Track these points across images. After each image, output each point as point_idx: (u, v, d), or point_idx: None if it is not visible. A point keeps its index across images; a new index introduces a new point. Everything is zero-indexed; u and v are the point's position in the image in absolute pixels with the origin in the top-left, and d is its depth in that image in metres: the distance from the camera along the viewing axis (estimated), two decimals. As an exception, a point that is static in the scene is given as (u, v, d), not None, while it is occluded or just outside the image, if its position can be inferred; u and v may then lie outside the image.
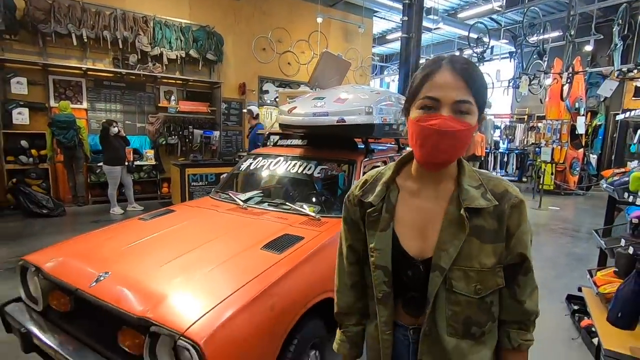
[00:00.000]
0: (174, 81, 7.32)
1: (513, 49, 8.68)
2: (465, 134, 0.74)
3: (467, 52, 10.29)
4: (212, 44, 7.34)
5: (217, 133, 7.22)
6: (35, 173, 5.85)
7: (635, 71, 5.70)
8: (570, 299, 3.14)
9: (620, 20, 6.04)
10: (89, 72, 6.43)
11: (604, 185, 2.81)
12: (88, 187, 6.49)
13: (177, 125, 7.33)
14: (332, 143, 2.64)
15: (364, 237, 0.90)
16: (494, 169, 11.47)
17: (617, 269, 2.53)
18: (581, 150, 9.12)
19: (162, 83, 7.22)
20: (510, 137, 11.71)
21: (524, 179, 11.06)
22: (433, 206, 0.82)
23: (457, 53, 12.42)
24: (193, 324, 1.20)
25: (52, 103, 6.21)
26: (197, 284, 1.45)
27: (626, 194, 2.36)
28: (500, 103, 12.07)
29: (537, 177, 8.58)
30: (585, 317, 2.78)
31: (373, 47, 11.75)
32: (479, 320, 0.80)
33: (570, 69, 6.84)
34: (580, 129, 8.47)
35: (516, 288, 0.82)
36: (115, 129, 5.66)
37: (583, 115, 8.73)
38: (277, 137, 3.06)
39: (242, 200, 2.40)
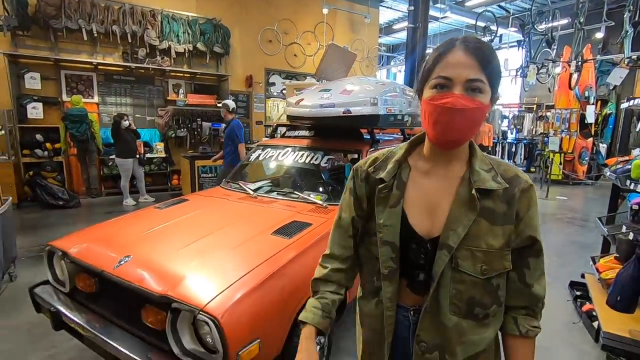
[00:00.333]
0: (182, 74, 7.42)
1: (521, 38, 8.57)
2: (478, 112, 0.75)
3: (475, 41, 10.15)
4: (219, 36, 7.40)
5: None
6: (50, 166, 6.03)
7: (646, 58, 5.62)
8: (573, 285, 3.20)
9: (632, 7, 5.93)
10: (99, 67, 6.55)
11: (608, 173, 2.84)
12: (101, 179, 6.67)
13: (186, 118, 7.45)
14: (338, 134, 2.72)
15: (365, 213, 0.91)
16: (502, 158, 11.40)
17: (617, 255, 2.58)
18: (590, 139, 9.02)
19: (170, 76, 7.32)
20: (518, 127, 11.61)
21: (532, 169, 10.99)
22: (443, 186, 0.83)
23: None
24: (211, 300, 1.31)
25: (65, 97, 6.36)
26: (213, 266, 1.56)
27: (628, 182, 2.40)
28: (508, 93, 11.94)
29: (545, 167, 8.53)
30: (587, 302, 2.84)
31: (379, 37, 11.66)
32: (484, 301, 0.80)
33: (579, 57, 6.75)
34: (590, 118, 8.37)
35: (525, 270, 0.82)
36: (127, 123, 5.79)
37: (593, 104, 8.61)
38: (284, 129, 3.13)
39: (252, 190, 2.50)
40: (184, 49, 7.08)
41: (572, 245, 4.67)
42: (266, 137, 5.74)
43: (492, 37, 7.72)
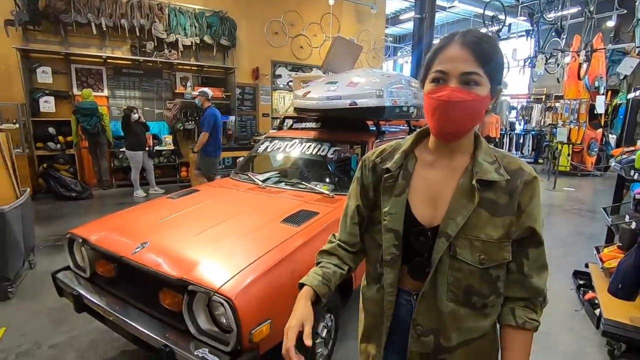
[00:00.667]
0: (189, 67, 7.48)
1: (530, 27, 8.45)
2: (473, 104, 0.76)
3: (483, 31, 10.04)
4: (226, 29, 7.43)
5: (232, 118, 7.40)
6: (62, 158, 6.18)
7: (658, 47, 5.52)
8: (577, 274, 3.24)
9: (644, -6, 5.82)
10: (108, 61, 6.64)
11: (613, 164, 2.85)
12: (112, 172, 6.81)
13: (194, 111, 7.52)
14: (344, 125, 2.77)
15: (370, 203, 0.94)
16: (509, 150, 11.34)
17: (620, 244, 2.61)
18: (600, 130, 8.91)
19: (177, 69, 7.39)
20: (526, 118, 11.51)
21: (540, 161, 10.92)
22: (446, 178, 0.85)
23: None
24: (225, 283, 1.39)
25: (75, 91, 6.47)
26: (226, 251, 1.64)
27: (632, 171, 2.43)
28: (516, 83, 11.80)
29: (553, 159, 8.47)
30: (590, 291, 2.89)
31: (386, 27, 11.57)
32: (482, 291, 0.81)
33: (589, 47, 6.65)
34: (600, 109, 8.26)
35: (524, 261, 0.82)
36: (136, 115, 5.89)
37: (603, 94, 8.49)
38: (291, 121, 3.19)
39: (260, 181, 2.57)
40: (191, 42, 7.13)
41: (578, 236, 4.69)
42: (273, 129, 5.79)
43: (501, 26, 7.63)
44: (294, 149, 2.72)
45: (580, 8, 7.78)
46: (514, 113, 11.87)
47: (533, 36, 7.59)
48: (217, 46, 7.47)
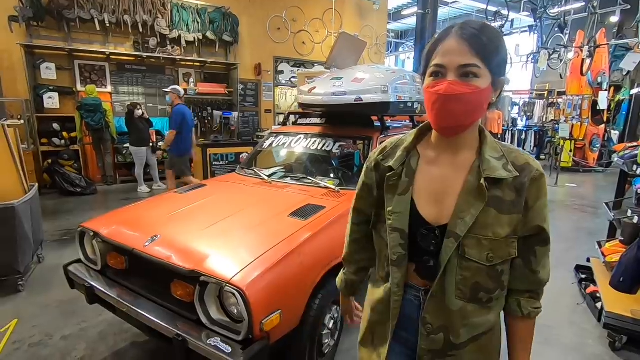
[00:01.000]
0: (192, 63, 7.49)
1: (533, 22, 8.43)
2: (473, 97, 0.75)
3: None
4: (228, 25, 7.43)
5: (235, 114, 7.42)
6: (67, 154, 6.20)
7: (661, 43, 5.52)
8: (579, 268, 3.27)
9: (647, -10, 5.81)
10: (111, 57, 6.66)
11: (615, 159, 2.88)
12: (116, 167, 6.84)
13: (196, 107, 7.55)
14: (349, 121, 2.79)
15: (375, 201, 0.94)
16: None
17: (622, 238, 2.64)
18: (602, 126, 8.91)
19: (180, 65, 7.41)
20: (528, 114, 11.50)
21: (542, 157, 10.92)
22: (451, 174, 0.83)
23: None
24: (236, 274, 1.42)
25: (79, 87, 6.49)
26: (236, 244, 1.67)
27: (635, 167, 2.45)
28: (519, 79, 11.78)
29: (555, 155, 8.48)
30: (592, 285, 2.92)
31: (388, 23, 11.54)
32: (488, 286, 0.81)
33: (592, 42, 6.64)
34: (602, 105, 8.25)
35: (532, 258, 0.82)
36: (140, 112, 5.92)
37: (606, 90, 8.48)
38: (294, 117, 3.22)
39: (266, 176, 2.60)
40: (194, 38, 7.15)
41: (579, 231, 4.72)
42: (278, 124, 5.81)
43: (504, 22, 7.62)
44: (299, 144, 2.75)
45: (584, 3, 7.75)
46: (516, 109, 11.86)
47: (536, 32, 7.58)
48: (220, 42, 7.48)
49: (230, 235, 1.75)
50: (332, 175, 2.57)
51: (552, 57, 6.91)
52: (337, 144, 2.61)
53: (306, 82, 3.10)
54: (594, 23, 6.70)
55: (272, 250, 1.60)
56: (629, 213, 2.41)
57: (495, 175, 0.78)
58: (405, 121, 3.55)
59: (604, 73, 8.44)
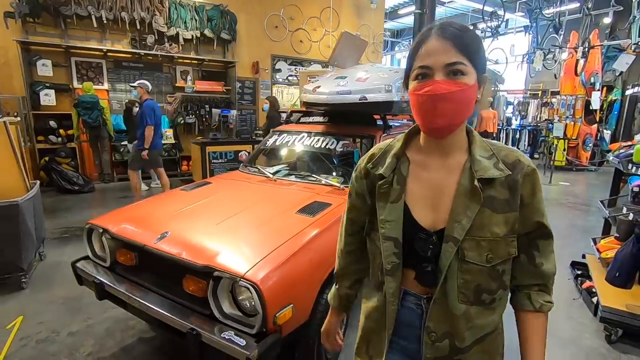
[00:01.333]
0: (189, 61, 7.48)
1: (528, 23, 8.53)
2: (462, 94, 0.74)
3: (482, 26, 10.12)
4: (226, 22, 7.42)
5: (234, 112, 7.42)
6: (64, 152, 6.16)
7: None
8: (574, 265, 3.35)
9: (641, -8, 5.92)
10: (108, 54, 6.62)
11: (611, 158, 2.95)
12: (112, 165, 6.82)
13: (194, 105, 7.54)
14: (352, 119, 2.83)
15: (368, 209, 0.91)
16: (505, 145, 11.47)
17: (617, 235, 2.72)
18: (595, 125, 9.06)
19: (178, 63, 7.39)
20: (523, 113, 11.64)
21: (536, 156, 11.08)
22: (444, 177, 0.82)
23: (471, 27, 12.19)
24: (250, 269, 1.46)
25: (76, 84, 6.45)
26: (247, 240, 1.71)
27: (630, 165, 2.52)
28: (513, 79, 11.91)
29: (549, 153, 8.61)
30: (587, 280, 3.00)
31: (384, 22, 11.59)
32: (490, 287, 0.80)
33: (586, 43, 6.75)
34: (595, 105, 8.40)
35: (535, 253, 0.82)
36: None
37: (598, 90, 8.63)
38: (299, 115, 3.25)
39: (271, 173, 2.63)
40: (192, 36, 7.13)
41: (573, 228, 4.82)
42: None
43: (500, 22, 7.70)
44: (303, 142, 2.78)
45: (578, 4, 7.87)
46: (510, 108, 12.00)
47: (531, 32, 7.68)
48: (218, 40, 7.46)
49: (240, 231, 1.78)
50: (336, 173, 2.61)
51: (546, 57, 7.00)
52: (341, 142, 2.65)
53: (308, 80, 3.13)
54: (588, 24, 6.81)
55: (283, 246, 1.63)
56: (624, 210, 2.48)
57: (487, 175, 0.77)
58: (405, 120, 3.60)
59: (597, 73, 8.58)
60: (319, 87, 2.59)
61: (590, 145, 9.04)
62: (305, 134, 2.83)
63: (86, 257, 2.13)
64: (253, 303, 1.46)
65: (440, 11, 11.71)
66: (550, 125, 9.23)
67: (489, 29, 8.48)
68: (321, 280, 1.73)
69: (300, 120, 3.17)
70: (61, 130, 6.22)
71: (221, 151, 6.14)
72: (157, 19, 6.70)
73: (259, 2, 7.98)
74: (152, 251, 1.72)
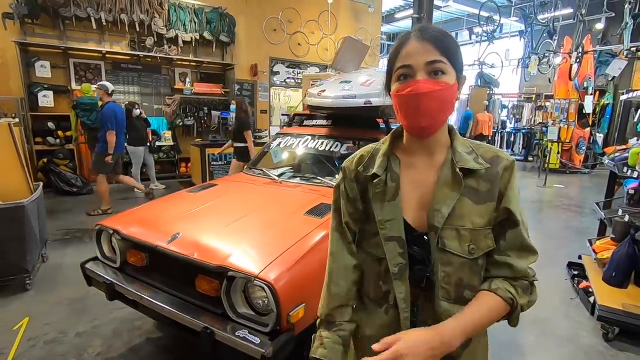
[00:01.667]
0: (188, 63, 7.48)
1: (522, 27, 8.68)
2: (444, 93, 0.76)
3: (477, 30, 10.28)
4: (225, 25, 7.45)
5: (233, 114, 7.43)
6: (62, 153, 6.15)
7: (645, 50, 5.78)
8: (571, 265, 3.43)
9: (632, -1, 6.07)
10: (107, 55, 6.61)
11: (606, 161, 3.04)
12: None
13: (193, 107, 7.55)
14: (355, 123, 2.87)
15: (359, 215, 0.88)
16: (500, 148, 11.62)
17: (613, 236, 2.80)
18: (588, 129, 9.23)
19: (177, 65, 7.39)
20: (517, 116, 11.82)
21: (530, 158, 11.24)
22: (429, 176, 0.82)
23: (466, 31, 12.36)
24: (263, 269, 1.50)
25: (74, 85, 6.43)
26: (257, 241, 1.74)
27: (625, 168, 2.60)
28: (508, 82, 12.10)
29: (543, 156, 8.75)
30: (584, 281, 3.07)
31: (381, 25, 11.69)
32: (472, 283, 0.80)
33: (580, 49, 6.89)
34: (588, 108, 8.56)
35: (502, 242, 0.80)
36: (138, 111, 5.91)
37: (591, 94, 8.80)
38: (300, 118, 3.29)
39: (276, 176, 2.67)
40: (191, 38, 7.15)
41: (568, 229, 4.92)
42: (283, 125, 5.87)
43: (495, 27, 7.84)
44: (308, 144, 2.82)
45: (572, 10, 8.03)
46: (505, 111, 12.17)
47: (526, 37, 7.82)
48: (217, 42, 7.49)
49: (250, 232, 1.82)
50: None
51: (541, 62, 7.13)
52: (345, 145, 2.70)
53: (312, 84, 3.18)
54: (581, 29, 6.95)
55: (294, 247, 1.67)
56: (620, 212, 2.56)
57: (468, 166, 0.79)
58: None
59: (590, 78, 8.76)
60: (323, 90, 2.64)
61: (583, 148, 9.21)
62: (309, 137, 2.88)
63: (94, 258, 2.15)
64: (266, 302, 1.50)
65: (436, 15, 11.84)
66: (544, 128, 9.38)
67: (484, 33, 8.63)
68: (330, 280, 1.77)
69: (303, 123, 3.22)
70: (59, 132, 6.19)
71: (221, 153, 6.15)
72: (156, 21, 6.71)
73: (257, 5, 8.02)
74: (164, 252, 1.74)
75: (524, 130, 11.30)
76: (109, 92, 4.64)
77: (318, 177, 2.57)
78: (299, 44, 8.79)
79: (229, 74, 7.88)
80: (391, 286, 0.82)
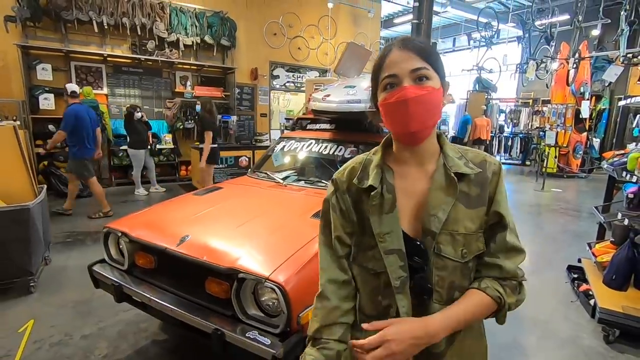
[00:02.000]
0: (189, 67, 7.52)
1: (520, 33, 8.79)
2: (431, 97, 0.77)
3: (475, 36, 10.39)
4: (226, 29, 7.50)
5: (234, 118, 7.48)
6: (62, 156, 6.14)
7: (640, 56, 5.88)
8: (570, 269, 3.47)
9: (628, 6, 6.18)
10: (108, 58, 6.64)
11: (605, 166, 3.09)
12: (111, 170, 6.80)
13: (193, 110, 7.56)
14: (358, 127, 2.91)
15: (352, 229, 0.87)
16: (498, 152, 11.73)
17: (613, 239, 2.84)
18: (584, 134, 9.34)
19: (177, 68, 7.43)
20: (515, 121, 11.92)
21: (528, 162, 11.33)
22: (421, 184, 0.83)
23: (465, 37, 12.49)
24: (274, 271, 1.52)
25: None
26: (266, 243, 1.77)
27: (624, 173, 2.65)
28: (505, 87, 12.21)
29: (540, 161, 8.83)
30: (584, 284, 3.11)
31: (380, 30, 11.79)
32: (463, 284, 0.81)
33: (577, 55, 6.99)
34: (585, 113, 8.67)
35: (492, 245, 0.81)
36: (139, 114, 5.93)
37: (588, 99, 8.91)
38: (306, 122, 3.32)
39: (280, 179, 2.70)
40: (192, 42, 7.19)
41: (566, 233, 4.96)
42: (286, 129, 5.90)
43: (493, 33, 7.93)
44: (311, 148, 2.85)
45: (569, 16, 8.14)
46: (502, 116, 12.28)
47: (524, 43, 7.92)
48: (217, 46, 7.53)
49: (258, 235, 1.84)
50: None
51: (539, 67, 7.23)
52: (349, 149, 2.73)
53: (315, 88, 3.21)
54: (577, 36, 7.05)
55: (302, 249, 1.70)
56: (619, 216, 2.60)
57: (461, 170, 0.80)
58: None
59: (586, 83, 8.87)
60: (328, 95, 2.68)
61: (580, 152, 9.30)
62: (313, 141, 2.91)
63: (102, 261, 2.16)
64: (277, 304, 1.52)
65: (434, 21, 11.94)
66: (541, 133, 9.48)
67: (483, 39, 8.73)
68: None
69: (307, 127, 3.25)
70: (59, 135, 6.18)
71: (222, 156, 6.17)
72: (157, 24, 6.75)
73: (258, 10, 8.09)
74: (174, 254, 1.76)
75: (521, 135, 11.41)
76: (68, 93, 4.55)
77: (322, 181, 2.59)
78: (299, 48, 8.85)
79: (230, 78, 7.92)
80: (393, 300, 0.81)
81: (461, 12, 11.59)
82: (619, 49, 6.32)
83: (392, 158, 0.87)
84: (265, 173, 2.86)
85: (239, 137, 7.61)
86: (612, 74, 5.97)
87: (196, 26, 7.19)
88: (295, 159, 3.02)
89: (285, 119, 5.30)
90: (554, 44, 7.47)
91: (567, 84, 7.76)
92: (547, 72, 7.61)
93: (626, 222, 2.49)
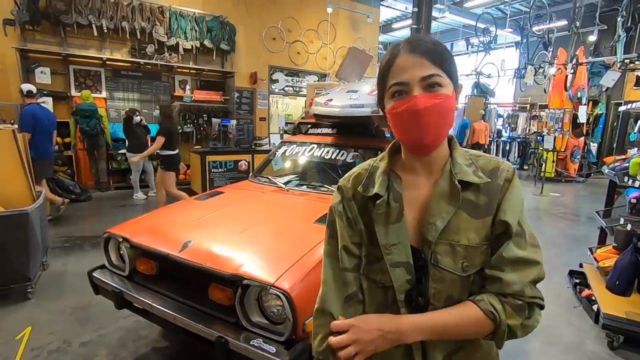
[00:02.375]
0: (188, 70, 7.52)
1: (518, 38, 8.86)
2: (443, 105, 0.72)
3: (473, 41, 10.47)
4: (226, 33, 7.51)
5: (234, 122, 7.47)
6: (60, 160, 6.11)
7: (637, 62, 5.94)
8: (572, 274, 3.46)
9: (624, 12, 6.24)
10: (107, 62, 6.62)
11: (606, 171, 3.09)
12: (109, 174, 6.76)
13: (192, 114, 7.57)
14: (361, 131, 2.90)
15: (359, 238, 0.82)
16: (496, 156, 11.76)
17: (615, 244, 2.84)
18: (582, 138, 9.39)
19: (177, 72, 7.42)
20: (512, 125, 11.98)
21: (525, 167, 11.37)
22: (426, 192, 0.79)
23: (463, 42, 12.57)
24: (279, 277, 1.50)
25: (74, 92, 6.42)
26: (270, 249, 1.75)
27: (626, 178, 2.65)
28: (503, 92, 12.28)
29: (538, 165, 8.87)
30: (586, 289, 3.10)
31: (379, 35, 11.86)
32: (462, 298, 0.75)
33: (575, 60, 7.05)
34: (582, 118, 8.73)
35: (495, 256, 0.74)
36: (138, 118, 5.91)
37: (585, 104, 8.97)
38: (307, 126, 3.32)
39: (282, 184, 2.68)
40: (192, 46, 7.19)
41: (565, 238, 4.97)
42: (286, 133, 5.89)
43: (491, 38, 7.99)
44: (314, 153, 2.84)
45: (566, 22, 8.22)
46: (500, 121, 12.34)
47: (522, 49, 7.98)
48: (217, 50, 7.54)
49: (261, 241, 1.82)
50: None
51: (537, 72, 7.28)
52: (351, 154, 2.72)
53: (316, 93, 3.21)
54: (575, 41, 7.12)
55: (307, 255, 1.67)
56: (622, 221, 2.60)
57: (467, 179, 0.75)
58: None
59: (583, 88, 8.95)
60: (331, 100, 2.67)
61: (578, 157, 9.35)
62: (315, 145, 2.90)
63: (102, 267, 2.13)
64: (282, 311, 1.50)
65: (432, 26, 12.05)
66: (539, 137, 9.52)
67: (481, 44, 8.79)
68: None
69: (309, 132, 3.24)
70: (58, 139, 6.13)
71: (221, 160, 6.16)
72: (157, 29, 6.75)
73: (258, 14, 8.11)
74: (176, 260, 1.74)
75: (519, 139, 11.45)
76: (24, 93, 4.40)
77: (325, 185, 2.58)
78: (298, 52, 8.88)
79: (229, 82, 7.92)
80: (397, 314, 0.76)
81: (459, 17, 11.70)
82: (615, 55, 6.38)
83: (399, 165, 0.83)
84: (267, 177, 2.84)
85: (239, 141, 7.59)
86: (609, 79, 6.02)
87: (196, 30, 7.20)
88: (297, 163, 3.01)
89: (286, 123, 5.29)
90: (551, 49, 7.54)
91: (565, 89, 7.81)
92: (544, 77, 7.67)
93: (629, 227, 2.49)
